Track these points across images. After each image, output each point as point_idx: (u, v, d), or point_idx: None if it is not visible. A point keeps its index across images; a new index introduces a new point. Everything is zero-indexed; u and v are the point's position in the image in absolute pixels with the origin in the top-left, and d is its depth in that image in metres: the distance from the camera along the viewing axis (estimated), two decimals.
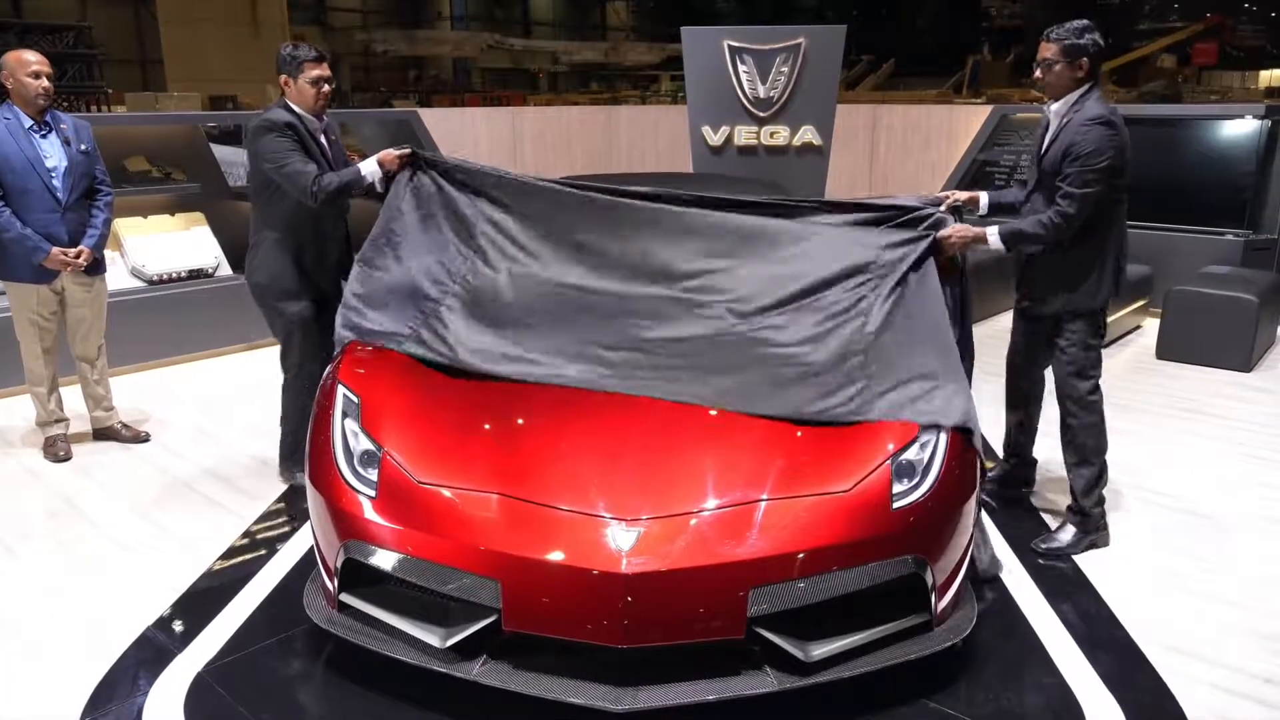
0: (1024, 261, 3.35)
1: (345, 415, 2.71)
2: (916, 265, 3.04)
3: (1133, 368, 5.57)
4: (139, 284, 5.54)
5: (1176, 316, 5.55)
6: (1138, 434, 4.40)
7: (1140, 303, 6.29)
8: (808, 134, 5.95)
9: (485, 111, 9.03)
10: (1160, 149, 7.03)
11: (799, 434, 2.61)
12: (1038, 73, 3.21)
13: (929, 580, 2.41)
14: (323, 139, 3.50)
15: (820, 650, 2.28)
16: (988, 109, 7.93)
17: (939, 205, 3.22)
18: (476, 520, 2.36)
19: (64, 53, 14.94)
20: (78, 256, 3.91)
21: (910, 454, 2.53)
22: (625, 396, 2.79)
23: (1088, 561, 3.19)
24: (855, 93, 20.97)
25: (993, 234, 3.12)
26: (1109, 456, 3.31)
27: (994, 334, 6.08)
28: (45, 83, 3.83)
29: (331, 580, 2.53)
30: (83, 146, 3.97)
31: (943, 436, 2.58)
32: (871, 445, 2.55)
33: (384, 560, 2.40)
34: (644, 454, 2.54)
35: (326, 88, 3.45)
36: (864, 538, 2.34)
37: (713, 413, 2.72)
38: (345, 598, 2.51)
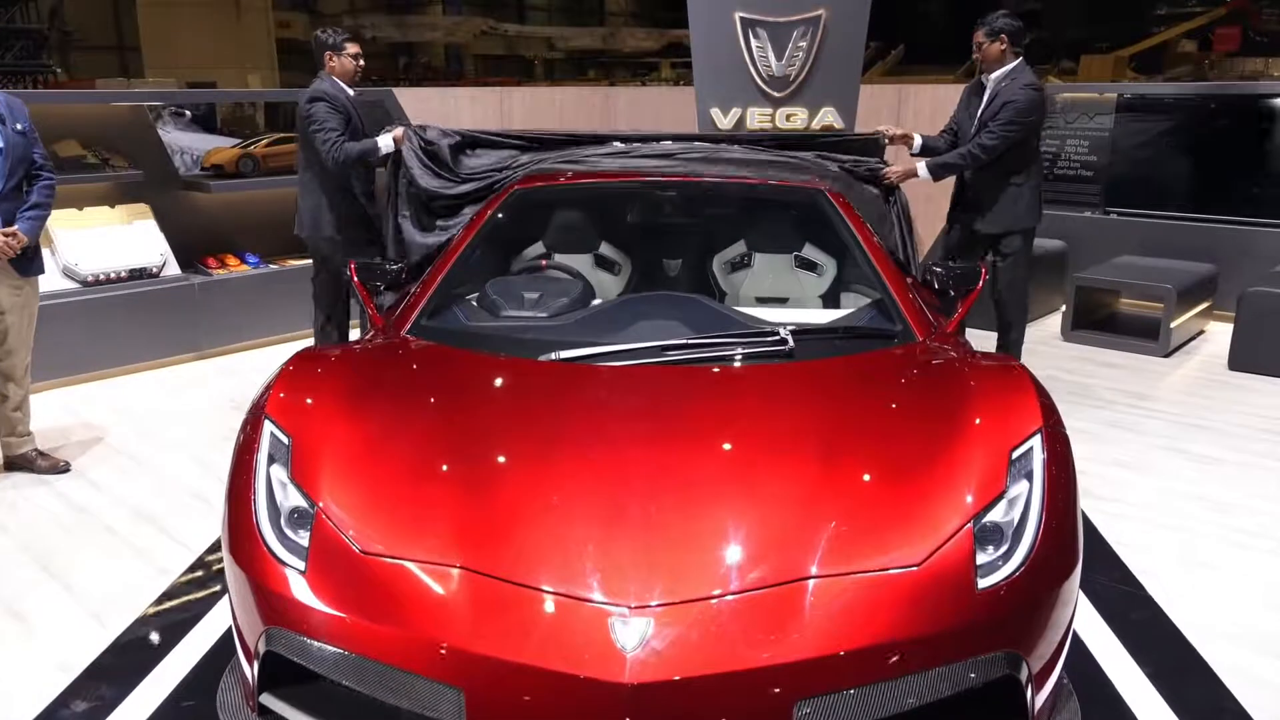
0: (972, 195, 4.20)
1: (272, 460, 2.13)
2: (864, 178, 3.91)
3: (1203, 381, 4.95)
4: (71, 285, 4.94)
5: (1253, 322, 4.92)
6: (1217, 460, 3.83)
7: (1204, 305, 5.67)
8: (828, 116, 5.35)
9: (471, 92, 8.14)
10: (1224, 132, 6.37)
11: (854, 488, 2.03)
12: (977, 53, 4.12)
13: (1024, 676, 1.84)
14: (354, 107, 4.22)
15: None
16: None
17: (876, 135, 4.26)
18: (434, 605, 1.80)
19: (5, 28, 13.97)
20: (10, 237, 3.37)
21: (996, 514, 1.96)
22: (624, 438, 2.22)
23: (1193, 629, 2.62)
24: (864, 77, 20.41)
25: (922, 168, 4.10)
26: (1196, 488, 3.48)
27: (1043, 339, 5.60)
28: None
29: (251, 668, 1.97)
30: (18, 126, 3.46)
31: (1037, 490, 2.01)
32: (945, 502, 1.97)
33: (314, 656, 1.84)
34: (653, 514, 1.96)
35: (362, 61, 4.25)
36: (942, 630, 1.77)
37: (727, 446, 2.17)
38: (266, 699, 1.96)
